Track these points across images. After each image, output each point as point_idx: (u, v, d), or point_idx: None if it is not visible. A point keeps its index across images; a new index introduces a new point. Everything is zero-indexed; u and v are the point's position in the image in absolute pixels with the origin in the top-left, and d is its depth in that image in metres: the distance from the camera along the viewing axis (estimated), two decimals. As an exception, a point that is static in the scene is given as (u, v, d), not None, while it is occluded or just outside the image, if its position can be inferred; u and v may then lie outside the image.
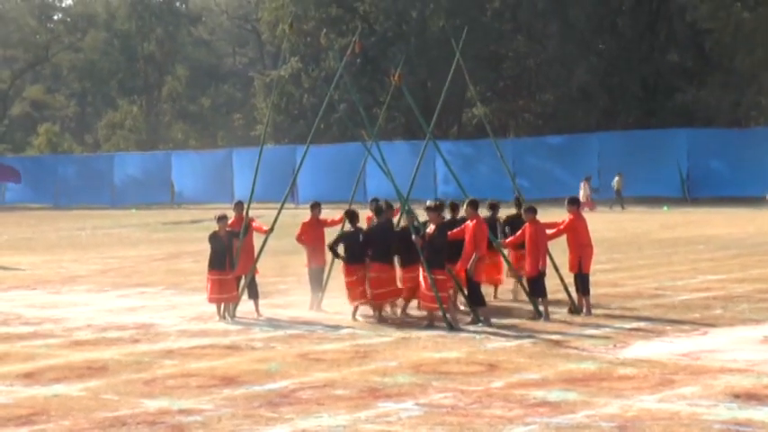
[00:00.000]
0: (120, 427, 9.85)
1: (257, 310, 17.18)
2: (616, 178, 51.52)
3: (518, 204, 18.05)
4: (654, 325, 15.23)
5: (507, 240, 17.08)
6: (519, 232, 16.74)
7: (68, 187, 69.11)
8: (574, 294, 16.78)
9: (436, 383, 11.40)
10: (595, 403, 10.37)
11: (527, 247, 16.35)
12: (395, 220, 17.66)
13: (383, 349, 13.68)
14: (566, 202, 17.04)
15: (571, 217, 16.75)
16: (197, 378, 11.96)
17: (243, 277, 17.24)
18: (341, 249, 17.00)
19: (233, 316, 16.79)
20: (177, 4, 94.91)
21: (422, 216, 16.82)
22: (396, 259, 16.76)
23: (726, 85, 59.31)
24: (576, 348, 13.46)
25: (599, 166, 54.48)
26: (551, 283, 17.40)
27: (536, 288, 16.29)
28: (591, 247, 16.85)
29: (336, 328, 15.62)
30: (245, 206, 17.54)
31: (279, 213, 18.02)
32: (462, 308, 16.71)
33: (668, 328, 14.96)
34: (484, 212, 17.25)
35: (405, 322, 16.14)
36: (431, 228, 15.82)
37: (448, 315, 15.35)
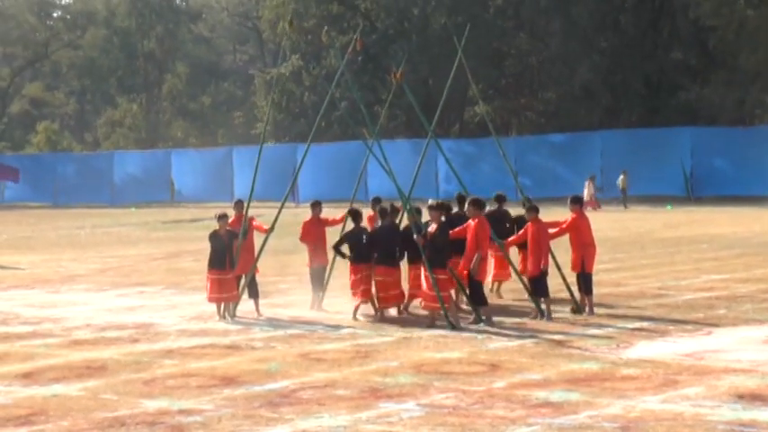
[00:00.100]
0: (119, 427, 9.85)
1: (257, 309, 17.17)
2: (621, 176, 51.50)
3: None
4: (657, 325, 15.22)
5: (509, 240, 17.06)
6: (521, 231, 16.74)
7: (67, 186, 69.13)
8: (576, 294, 16.77)
9: (438, 384, 11.39)
10: (598, 404, 10.36)
11: (529, 246, 16.34)
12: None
13: (384, 349, 13.67)
14: (568, 201, 17.02)
15: (574, 216, 16.74)
16: (197, 378, 11.95)
17: (243, 276, 17.23)
18: (346, 249, 17.01)
19: (233, 315, 16.78)
20: (177, 1, 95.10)
21: (424, 216, 16.82)
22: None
23: (730, 83, 59.29)
24: (578, 348, 13.45)
25: (602, 164, 54.48)
26: (554, 282, 17.40)
27: (538, 288, 16.28)
28: (594, 247, 16.83)
29: (337, 327, 15.60)
30: (245, 205, 17.53)
31: (279, 212, 18.01)
32: (464, 307, 16.69)
33: (671, 328, 14.95)
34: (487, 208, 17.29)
35: (406, 322, 16.13)
36: (432, 227, 15.80)
37: (450, 315, 15.34)
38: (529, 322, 15.76)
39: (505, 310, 17.01)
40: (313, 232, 17.96)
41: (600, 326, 15.25)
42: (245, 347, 14.06)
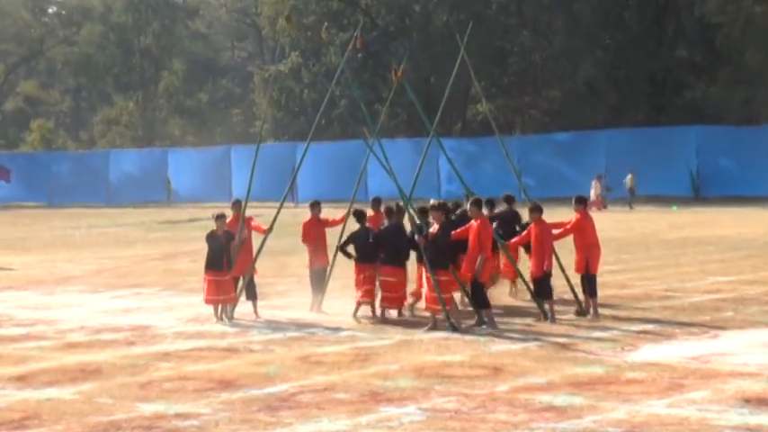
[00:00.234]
0: (114, 431, 9.84)
1: (256, 311, 17.17)
2: (629, 176, 51.45)
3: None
4: (662, 327, 15.21)
5: (512, 241, 17.04)
6: (524, 232, 16.73)
7: (62, 185, 69.08)
8: (581, 296, 16.76)
9: (439, 387, 11.38)
10: (602, 408, 10.35)
11: (532, 247, 16.34)
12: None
13: (384, 352, 13.66)
14: (572, 201, 17.01)
15: (578, 216, 16.74)
16: (194, 381, 11.94)
17: (241, 278, 17.22)
18: (351, 249, 17.03)
19: (231, 318, 16.76)
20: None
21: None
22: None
23: (736, 81, 59.23)
24: (582, 351, 13.44)
25: (606, 163, 54.44)
26: (558, 284, 17.40)
27: (542, 289, 16.28)
28: (598, 248, 16.83)
29: (337, 330, 15.60)
30: (243, 205, 17.52)
31: (278, 212, 17.99)
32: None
33: (677, 330, 14.95)
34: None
35: (407, 324, 16.11)
36: (434, 227, 15.79)
37: (451, 317, 15.32)
38: (532, 325, 15.75)
39: (508, 313, 17.00)
40: (313, 233, 17.96)
41: (604, 328, 15.24)
42: (242, 350, 14.05)
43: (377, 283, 16.75)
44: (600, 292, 16.95)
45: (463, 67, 18.06)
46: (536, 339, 14.40)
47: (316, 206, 18.15)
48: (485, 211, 16.62)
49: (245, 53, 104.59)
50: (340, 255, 17.95)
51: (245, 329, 15.90)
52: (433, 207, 16.11)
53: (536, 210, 16.50)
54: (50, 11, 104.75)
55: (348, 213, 18.17)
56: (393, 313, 16.81)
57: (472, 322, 15.74)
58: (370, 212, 18.00)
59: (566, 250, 17.86)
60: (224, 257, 16.72)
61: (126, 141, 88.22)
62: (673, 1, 64.54)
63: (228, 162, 64.69)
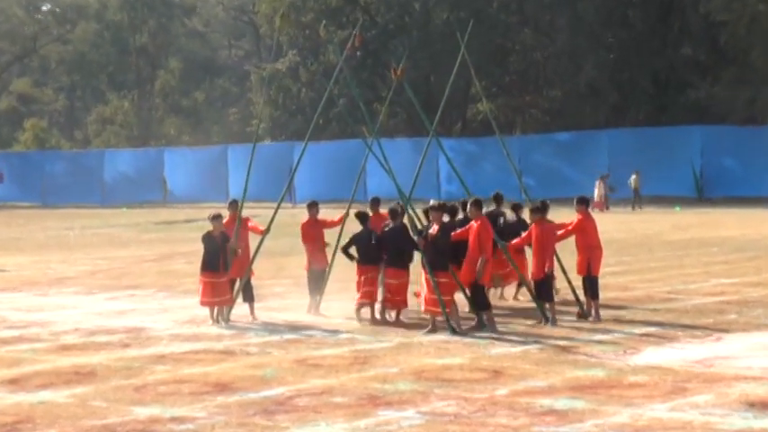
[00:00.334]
0: (108, 435, 9.84)
1: (252, 313, 17.16)
2: (633, 176, 51.45)
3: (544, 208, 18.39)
4: (665, 330, 15.21)
5: (513, 242, 17.03)
6: (525, 234, 16.72)
7: (56, 185, 69.12)
8: (582, 298, 16.76)
9: (438, 391, 11.38)
10: (604, 412, 10.35)
11: (533, 248, 16.32)
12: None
13: (383, 355, 13.66)
14: (574, 202, 17.02)
15: (580, 217, 16.74)
16: (189, 384, 11.94)
17: (238, 279, 17.22)
18: (353, 251, 17.10)
19: (227, 320, 16.76)
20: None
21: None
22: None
23: (741, 81, 59.26)
24: (584, 354, 13.44)
25: (609, 164, 54.46)
26: (559, 286, 17.40)
27: (543, 291, 16.27)
28: (600, 249, 16.83)
29: (335, 332, 15.59)
30: (239, 205, 17.52)
31: (275, 213, 17.99)
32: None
33: (680, 333, 14.95)
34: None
35: (406, 327, 16.11)
36: (434, 228, 15.79)
37: (451, 319, 15.32)
38: (533, 327, 15.75)
39: (509, 315, 17.00)
40: (311, 234, 17.96)
41: (606, 331, 15.24)
42: (239, 353, 14.05)
43: (379, 286, 16.76)
44: (602, 294, 16.94)
45: (463, 66, 18.07)
46: (537, 342, 14.40)
47: (313, 207, 18.14)
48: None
49: (242, 51, 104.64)
50: (338, 256, 17.97)
51: (241, 332, 15.89)
52: (432, 208, 16.11)
53: (537, 210, 16.49)
54: (44, 8, 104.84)
55: (346, 214, 18.19)
56: (393, 315, 16.80)
57: (472, 324, 15.73)
58: (369, 213, 17.99)
59: (567, 252, 17.86)
60: (220, 259, 16.71)
61: (121, 141, 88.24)
62: (678, -1, 64.65)
63: (225, 162, 64.74)
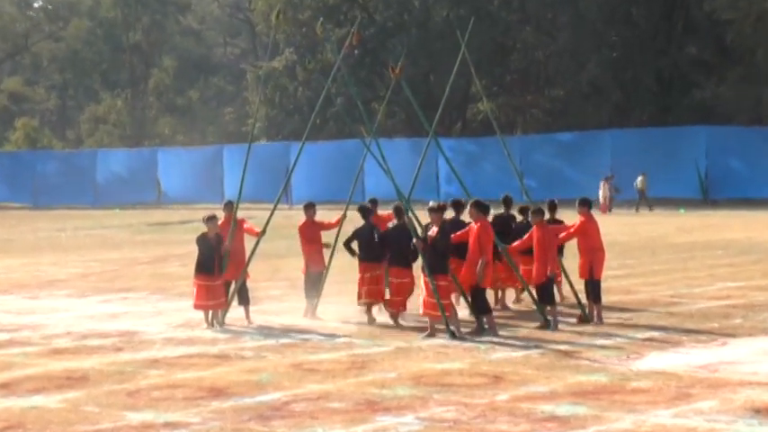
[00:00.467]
0: (101, 441, 9.85)
1: (248, 317, 17.15)
2: (639, 178, 51.41)
3: (552, 208, 18.45)
4: (669, 335, 15.22)
5: (513, 245, 17.00)
6: (526, 236, 16.71)
7: (48, 185, 69.05)
8: (584, 302, 16.77)
9: (438, 396, 11.39)
10: (607, 418, 10.35)
11: (534, 251, 16.31)
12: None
13: (381, 359, 13.66)
14: (576, 204, 17.02)
15: (582, 219, 16.74)
16: (183, 389, 11.94)
17: (233, 282, 17.21)
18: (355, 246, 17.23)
19: (222, 323, 16.76)
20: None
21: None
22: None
23: (747, 80, 59.27)
24: (586, 359, 13.45)
25: (612, 164, 54.43)
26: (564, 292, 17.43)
27: (544, 295, 16.27)
28: (602, 252, 16.83)
29: (332, 336, 15.60)
30: (235, 206, 17.52)
31: (272, 214, 17.99)
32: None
33: (684, 338, 14.95)
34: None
35: (405, 331, 16.11)
36: (433, 230, 15.78)
37: (451, 323, 15.32)
38: (534, 331, 15.75)
39: (510, 319, 17.01)
40: (308, 236, 17.96)
41: (609, 336, 15.24)
42: (234, 357, 14.05)
43: (385, 285, 16.87)
44: (604, 298, 16.95)
45: (464, 65, 18.07)
46: (538, 347, 14.40)
47: (310, 208, 18.14)
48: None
49: (237, 50, 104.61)
50: (336, 258, 18.00)
51: (236, 335, 15.89)
52: (431, 209, 16.11)
53: (538, 213, 16.49)
54: (36, 5, 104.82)
55: (344, 216, 18.20)
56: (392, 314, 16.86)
57: (472, 328, 15.74)
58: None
59: (569, 254, 17.86)
60: (215, 261, 16.71)
61: (114, 140, 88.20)
62: (682, -4, 64.67)
63: (220, 162, 64.74)
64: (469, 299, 16.06)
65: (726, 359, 13.29)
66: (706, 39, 64.44)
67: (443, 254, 15.58)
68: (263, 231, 17.55)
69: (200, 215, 17.92)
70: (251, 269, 17.70)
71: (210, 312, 16.76)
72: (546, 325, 15.99)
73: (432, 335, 15.33)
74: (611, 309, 17.43)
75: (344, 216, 18.24)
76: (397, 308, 16.70)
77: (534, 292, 16.60)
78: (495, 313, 16.37)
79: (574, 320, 16.51)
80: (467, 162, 54.58)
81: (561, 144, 58.84)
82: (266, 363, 13.57)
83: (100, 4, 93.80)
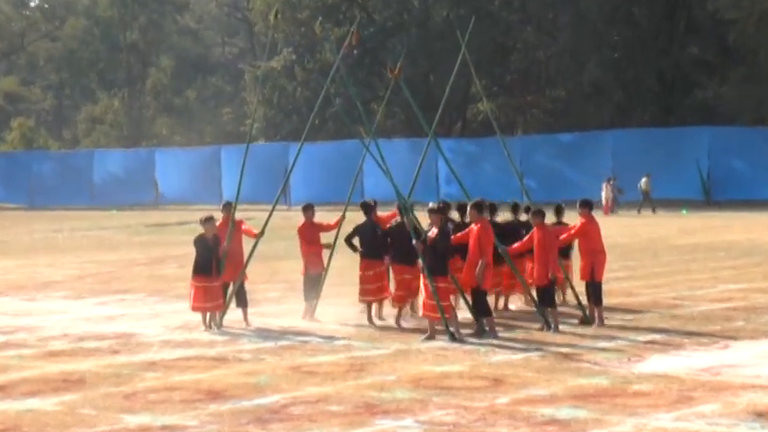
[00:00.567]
0: (97, 444, 9.85)
1: (246, 319, 17.15)
2: (644, 179, 51.40)
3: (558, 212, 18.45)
4: (671, 337, 15.22)
5: (513, 247, 16.98)
6: (526, 238, 16.70)
7: (44, 186, 69.08)
8: (585, 304, 16.77)
9: (437, 399, 11.39)
10: (608, 421, 10.36)
11: (535, 253, 16.31)
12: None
13: (380, 362, 13.66)
14: (577, 205, 17.03)
15: (583, 221, 16.74)
16: (181, 392, 11.94)
17: (231, 284, 17.21)
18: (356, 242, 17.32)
19: (219, 325, 16.76)
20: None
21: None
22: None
23: (749, 81, 59.28)
24: (587, 362, 13.45)
25: (613, 165, 54.45)
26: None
27: (545, 297, 16.27)
28: (604, 254, 16.84)
29: (331, 338, 15.60)
30: (232, 207, 17.51)
31: (270, 215, 18.00)
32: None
33: (686, 340, 14.96)
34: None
35: (404, 333, 16.12)
36: (433, 231, 15.78)
37: (450, 325, 15.32)
38: (535, 334, 15.76)
39: (509, 322, 17.01)
40: (307, 237, 17.96)
41: (610, 338, 15.24)
42: (232, 360, 14.05)
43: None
44: (605, 300, 16.95)
45: (464, 65, 18.08)
46: (538, 349, 14.40)
47: (309, 209, 18.14)
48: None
49: (236, 49, 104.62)
50: (334, 259, 18.00)
51: (234, 338, 15.89)
52: (431, 210, 16.10)
53: (538, 214, 16.49)
54: (32, 4, 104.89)
55: (342, 217, 18.21)
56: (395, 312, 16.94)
57: (472, 331, 15.74)
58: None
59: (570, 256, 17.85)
60: (213, 262, 16.72)
61: (111, 141, 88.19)
62: (684, -4, 64.70)
63: (218, 163, 64.76)
64: (470, 300, 16.07)
65: (728, 362, 13.29)
66: (708, 38, 64.46)
67: (443, 255, 15.58)
68: (262, 232, 17.55)
69: (198, 216, 17.92)
70: (249, 271, 17.69)
71: (208, 314, 16.76)
72: (546, 327, 15.99)
73: (431, 337, 15.33)
74: (613, 311, 17.43)
75: (343, 217, 18.25)
76: (401, 302, 16.77)
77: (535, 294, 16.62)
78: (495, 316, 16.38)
79: (575, 322, 16.52)
80: (467, 163, 54.62)
81: (562, 145, 58.85)
82: (264, 365, 13.57)
83: (97, 3, 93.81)
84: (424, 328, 15.79)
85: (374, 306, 17.33)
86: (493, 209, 17.98)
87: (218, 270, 16.77)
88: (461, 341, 15.09)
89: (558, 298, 17.46)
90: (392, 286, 17.11)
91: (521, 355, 14.01)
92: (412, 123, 61.92)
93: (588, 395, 11.50)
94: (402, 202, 16.60)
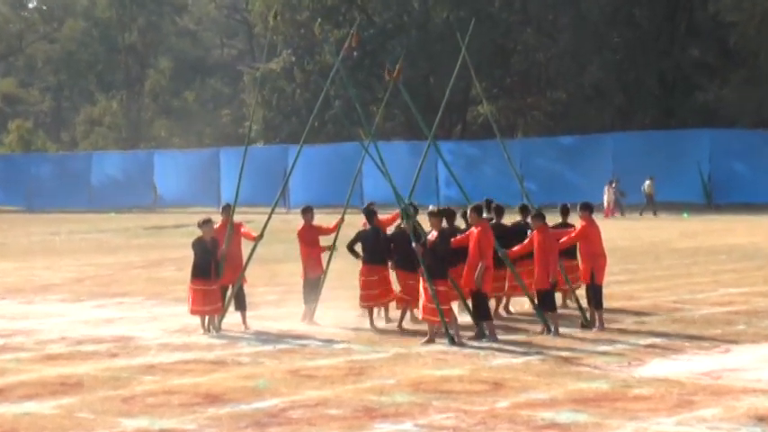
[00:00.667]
0: (95, 448, 9.85)
1: (244, 322, 17.15)
2: (647, 182, 51.41)
3: (564, 212, 18.40)
4: (672, 341, 15.22)
5: (513, 250, 16.97)
6: (526, 241, 16.69)
7: (42, 188, 69.08)
8: (586, 307, 16.77)
9: (437, 403, 11.39)
10: (608, 425, 10.36)
11: (535, 257, 16.30)
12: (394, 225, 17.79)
13: (380, 366, 13.66)
14: (578, 208, 17.03)
15: (583, 224, 16.74)
16: (179, 396, 11.94)
17: (230, 287, 17.21)
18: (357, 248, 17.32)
19: (218, 329, 16.76)
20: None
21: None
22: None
23: (751, 83, 59.30)
24: (587, 366, 13.45)
25: (614, 168, 54.44)
26: (561, 295, 17.42)
27: (546, 301, 16.26)
28: (604, 257, 16.84)
29: (330, 342, 15.59)
30: (232, 210, 17.51)
31: (269, 218, 17.99)
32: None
33: (687, 344, 14.95)
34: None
35: (403, 337, 16.12)
36: (433, 234, 15.78)
37: (450, 329, 15.32)
38: (535, 338, 15.76)
39: (510, 325, 17.01)
40: (306, 240, 17.96)
41: (610, 342, 15.24)
42: (230, 363, 14.05)
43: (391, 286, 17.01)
44: (606, 304, 16.95)
45: (464, 67, 18.07)
46: (538, 353, 14.40)
47: (308, 212, 18.13)
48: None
49: (234, 51, 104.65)
50: (333, 262, 18.01)
51: (233, 341, 15.89)
52: (431, 213, 16.11)
53: (538, 217, 16.49)
54: (31, 5, 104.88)
55: (341, 219, 18.21)
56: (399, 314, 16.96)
57: (472, 334, 15.74)
58: (364, 220, 17.98)
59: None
60: (211, 265, 16.71)
61: (109, 143, 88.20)
62: (685, -3, 64.74)
63: (217, 165, 64.74)
64: (470, 304, 16.06)
65: (729, 366, 13.29)
66: (709, 41, 64.49)
67: (443, 258, 15.58)
68: (261, 235, 17.54)
69: (197, 219, 17.91)
70: (248, 274, 17.70)
71: (207, 317, 16.76)
72: (547, 331, 15.99)
73: (431, 341, 15.33)
74: (613, 314, 17.43)
75: (342, 220, 18.25)
76: (405, 304, 16.80)
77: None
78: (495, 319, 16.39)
79: (575, 326, 16.51)
80: (467, 165, 54.62)
81: (562, 147, 58.85)
82: (263, 369, 13.57)
83: (95, 4, 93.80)
84: (423, 331, 15.79)
85: (381, 309, 17.33)
86: (500, 210, 18.01)
87: (216, 273, 16.77)
88: (461, 345, 15.09)
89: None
90: (397, 289, 17.12)
91: (521, 359, 14.01)
92: (412, 125, 62.00)
93: (588, 399, 11.50)
94: (404, 207, 16.57)
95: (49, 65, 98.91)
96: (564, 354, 14.32)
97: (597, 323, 16.45)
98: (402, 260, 16.65)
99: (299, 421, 10.69)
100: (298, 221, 18.34)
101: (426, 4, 68.32)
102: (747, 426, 10.29)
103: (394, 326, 16.93)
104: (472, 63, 18.79)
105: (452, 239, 15.97)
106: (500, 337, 15.62)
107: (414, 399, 11.60)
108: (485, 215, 16.97)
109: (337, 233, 18.18)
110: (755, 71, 59.46)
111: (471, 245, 15.73)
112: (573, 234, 16.85)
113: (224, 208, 17.97)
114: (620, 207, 50.65)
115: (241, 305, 17.24)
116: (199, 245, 16.82)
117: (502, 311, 18.35)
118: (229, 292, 17.16)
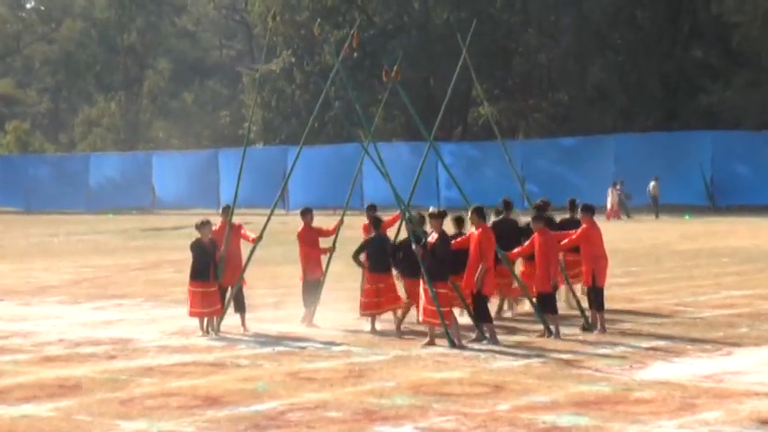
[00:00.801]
0: (93, 450, 9.85)
1: (243, 324, 17.16)
2: (652, 183, 51.41)
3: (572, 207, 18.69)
4: (673, 344, 15.22)
5: (513, 252, 16.97)
6: (527, 243, 16.69)
7: (40, 190, 69.06)
8: (586, 308, 16.78)
9: (437, 406, 11.40)
10: (609, 429, 10.36)
11: (536, 259, 16.31)
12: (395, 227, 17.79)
13: (380, 368, 13.67)
14: (579, 210, 17.03)
15: (584, 226, 16.75)
16: (178, 398, 11.95)
17: (229, 289, 17.22)
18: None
19: (217, 331, 16.76)
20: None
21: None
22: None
23: (754, 85, 59.27)
24: (588, 369, 13.46)
25: (616, 170, 54.41)
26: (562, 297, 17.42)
27: (547, 304, 16.27)
28: (606, 259, 16.84)
29: (330, 344, 15.60)
30: (230, 211, 17.52)
31: (268, 220, 18.01)
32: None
33: (689, 347, 14.96)
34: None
35: (403, 339, 16.12)
36: (433, 236, 15.79)
37: (450, 331, 15.32)
38: (535, 340, 15.76)
39: (510, 328, 17.02)
40: (307, 242, 17.96)
41: (612, 345, 15.25)
42: (229, 365, 14.06)
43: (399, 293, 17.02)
44: (607, 306, 16.96)
45: (464, 68, 18.09)
46: (539, 356, 14.41)
47: (307, 213, 18.14)
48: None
49: (233, 52, 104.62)
50: (333, 264, 18.01)
51: (232, 343, 15.90)
52: (431, 215, 16.12)
53: (539, 219, 16.49)
54: (28, 5, 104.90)
55: (341, 221, 18.22)
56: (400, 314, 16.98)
57: (472, 336, 15.75)
58: (365, 221, 17.99)
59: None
60: (210, 267, 16.72)
61: (107, 144, 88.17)
62: (688, -1, 64.73)
63: (216, 166, 64.71)
64: (471, 307, 16.06)
65: (731, 369, 13.29)
66: (712, 42, 64.46)
67: (443, 260, 15.58)
68: (260, 237, 17.55)
69: (195, 220, 17.92)
70: (247, 275, 17.70)
71: (206, 319, 16.76)
72: (548, 333, 15.99)
73: (431, 343, 15.34)
74: (615, 317, 17.44)
75: (341, 222, 18.26)
76: (407, 308, 16.83)
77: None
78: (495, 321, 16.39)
79: (576, 329, 16.52)
80: (468, 167, 54.62)
81: (564, 149, 58.81)
82: (262, 371, 13.57)
83: (93, 4, 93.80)
84: (424, 333, 15.80)
85: (398, 313, 17.34)
86: (508, 205, 18.10)
87: (215, 275, 16.78)
88: (461, 347, 15.10)
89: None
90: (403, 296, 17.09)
91: (521, 362, 14.01)
92: (412, 126, 61.99)
93: (590, 402, 11.50)
94: (409, 216, 16.57)
95: (47, 65, 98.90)
96: (565, 356, 14.33)
97: (598, 326, 16.46)
98: (409, 268, 16.55)
99: (298, 424, 10.69)
100: (297, 223, 18.35)
101: (427, 4, 68.34)
102: (750, 429, 10.30)
103: (394, 326, 16.92)
104: (473, 64, 18.81)
105: (453, 241, 15.97)
106: (500, 339, 15.63)
107: (414, 401, 11.60)
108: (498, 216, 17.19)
109: (337, 235, 18.19)
110: (759, 73, 59.43)
111: (472, 247, 15.73)
112: (574, 236, 16.85)
113: (224, 209, 17.97)
114: (626, 209, 50.63)
115: (240, 307, 17.25)
116: (197, 247, 16.83)
117: (507, 312, 18.38)
118: (228, 294, 17.17)
